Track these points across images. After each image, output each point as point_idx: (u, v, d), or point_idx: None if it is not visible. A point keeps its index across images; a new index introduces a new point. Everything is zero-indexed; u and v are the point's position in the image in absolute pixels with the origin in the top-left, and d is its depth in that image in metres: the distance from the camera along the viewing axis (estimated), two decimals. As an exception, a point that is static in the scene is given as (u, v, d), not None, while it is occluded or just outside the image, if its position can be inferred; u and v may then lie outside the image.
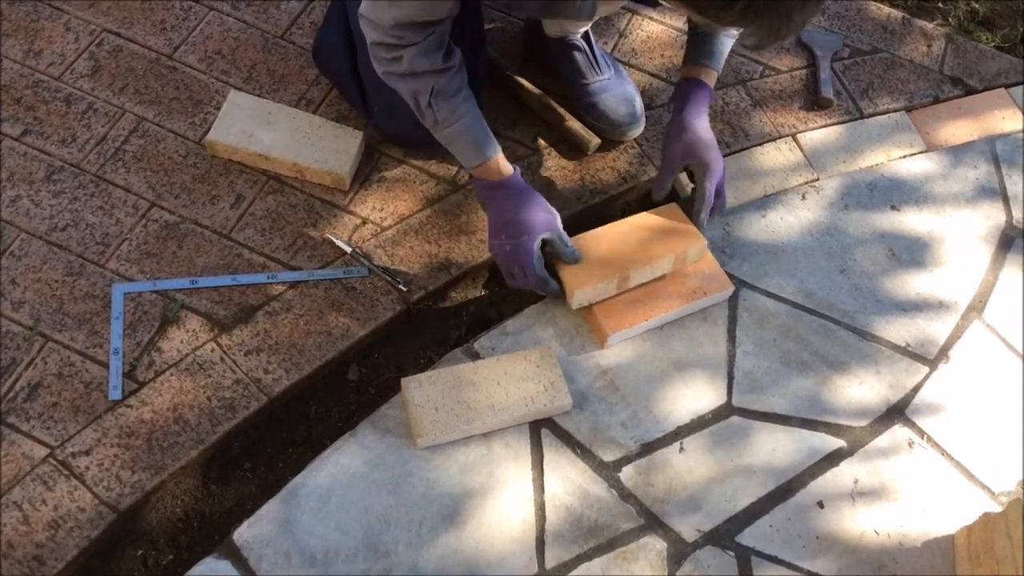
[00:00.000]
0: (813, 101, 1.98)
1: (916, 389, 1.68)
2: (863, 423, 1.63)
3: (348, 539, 1.43)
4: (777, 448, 1.59)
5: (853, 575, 1.49)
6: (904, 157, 1.94)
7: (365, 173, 1.78)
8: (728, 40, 1.68)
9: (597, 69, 1.82)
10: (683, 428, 1.59)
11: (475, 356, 1.60)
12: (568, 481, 1.52)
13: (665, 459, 1.56)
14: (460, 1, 1.42)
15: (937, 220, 1.87)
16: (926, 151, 1.96)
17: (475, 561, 1.44)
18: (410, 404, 1.50)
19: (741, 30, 1.17)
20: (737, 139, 1.90)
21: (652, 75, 1.97)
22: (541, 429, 1.56)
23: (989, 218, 1.89)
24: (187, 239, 1.67)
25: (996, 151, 1.98)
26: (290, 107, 1.80)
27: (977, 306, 1.78)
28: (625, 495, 1.52)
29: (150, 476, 1.45)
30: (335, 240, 1.68)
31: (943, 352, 1.72)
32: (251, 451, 1.53)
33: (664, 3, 1.25)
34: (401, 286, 1.65)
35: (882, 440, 1.62)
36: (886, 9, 2.16)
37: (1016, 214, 1.90)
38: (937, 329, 1.74)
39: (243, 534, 1.41)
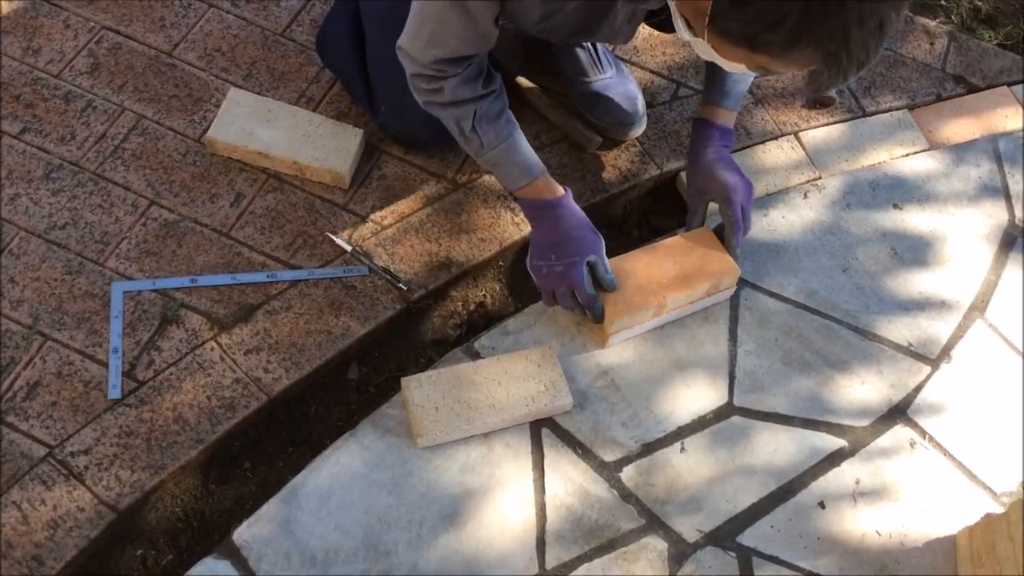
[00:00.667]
0: (815, 99, 1.97)
1: (918, 389, 1.67)
2: (865, 423, 1.63)
3: (348, 539, 1.42)
4: (778, 448, 1.58)
5: (854, 576, 1.49)
6: (906, 155, 1.94)
7: (365, 171, 1.77)
8: (745, 77, 1.66)
9: (599, 67, 1.82)
10: (684, 428, 1.58)
11: (475, 355, 1.60)
12: (569, 481, 1.51)
13: (666, 459, 1.55)
14: (497, 33, 1.41)
15: (939, 219, 1.86)
16: (928, 149, 1.95)
17: (475, 562, 1.43)
18: (410, 404, 1.50)
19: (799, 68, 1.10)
20: (739, 137, 1.90)
21: (654, 73, 1.97)
22: (542, 429, 1.55)
23: (991, 217, 1.88)
24: (187, 238, 1.66)
25: (999, 149, 1.97)
26: (290, 105, 1.79)
27: (979, 305, 1.78)
28: (626, 495, 1.51)
29: (150, 476, 1.45)
30: (335, 239, 1.68)
31: (945, 352, 1.72)
32: (251, 451, 1.53)
33: (707, 53, 1.21)
34: (401, 285, 1.65)
35: (884, 440, 1.61)
36: (888, 7, 2.15)
37: (1019, 213, 1.89)
38: (939, 329, 1.74)
39: (243, 534, 1.41)
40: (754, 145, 1.90)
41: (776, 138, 1.92)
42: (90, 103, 1.78)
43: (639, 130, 1.84)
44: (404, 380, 1.52)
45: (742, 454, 1.57)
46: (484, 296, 1.72)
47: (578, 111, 1.84)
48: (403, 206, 1.74)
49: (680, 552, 1.48)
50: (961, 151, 1.96)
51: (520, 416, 1.53)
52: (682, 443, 1.57)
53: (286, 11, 1.94)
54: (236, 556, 1.39)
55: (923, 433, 1.63)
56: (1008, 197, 1.91)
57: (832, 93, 1.96)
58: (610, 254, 1.58)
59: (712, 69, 1.67)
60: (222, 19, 1.92)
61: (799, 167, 1.89)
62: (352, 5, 1.74)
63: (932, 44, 2.11)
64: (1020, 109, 2.04)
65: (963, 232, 1.85)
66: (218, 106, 1.78)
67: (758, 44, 1.10)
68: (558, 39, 1.63)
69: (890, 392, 1.66)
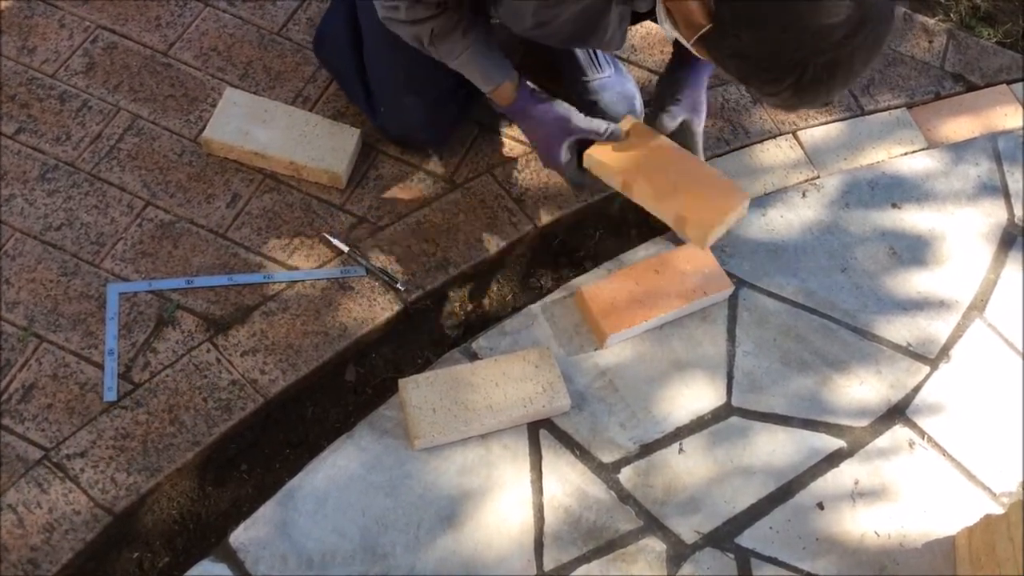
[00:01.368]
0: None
1: (917, 389, 1.67)
2: (863, 423, 1.62)
3: (345, 541, 1.42)
4: (777, 449, 1.58)
5: (853, 577, 1.49)
6: (905, 154, 1.93)
7: (362, 171, 1.76)
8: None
9: (597, 66, 1.81)
10: (682, 429, 1.58)
11: (473, 356, 1.59)
12: (567, 482, 1.51)
13: (664, 460, 1.55)
14: None
15: (938, 218, 1.86)
16: (927, 148, 1.95)
17: (473, 563, 1.43)
18: (408, 405, 1.49)
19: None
20: (737, 136, 1.89)
21: (652, 71, 1.96)
22: (540, 430, 1.55)
23: (990, 216, 1.88)
24: (183, 238, 1.66)
25: (998, 148, 1.96)
26: (286, 104, 1.78)
27: (978, 305, 1.77)
28: (624, 496, 1.51)
29: (146, 478, 1.45)
30: (332, 239, 1.67)
31: (944, 352, 1.71)
32: (247, 453, 1.52)
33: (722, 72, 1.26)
34: (398, 286, 1.64)
35: (883, 440, 1.61)
36: (887, 4, 2.15)
37: (1018, 212, 1.89)
38: (938, 328, 1.73)
39: (239, 536, 1.41)
40: (752, 144, 1.89)
41: (774, 137, 1.91)
42: (85, 103, 1.77)
43: (637, 129, 1.84)
44: (401, 381, 1.52)
45: (741, 455, 1.57)
46: (482, 297, 1.71)
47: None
48: (400, 206, 1.74)
49: (679, 553, 1.48)
50: (960, 150, 1.95)
51: (518, 417, 1.52)
52: (680, 444, 1.56)
53: (282, 10, 1.93)
54: (233, 559, 1.39)
55: (922, 433, 1.63)
56: (1007, 196, 1.91)
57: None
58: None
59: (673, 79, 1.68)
60: (218, 18, 1.91)
61: (797, 166, 1.88)
62: (349, 5, 1.73)
63: (931, 42, 2.10)
64: (1019, 107, 2.04)
65: (962, 231, 1.85)
66: (214, 106, 1.77)
67: (748, 85, 1.20)
68: (552, 44, 1.64)
69: (889, 392, 1.66)
